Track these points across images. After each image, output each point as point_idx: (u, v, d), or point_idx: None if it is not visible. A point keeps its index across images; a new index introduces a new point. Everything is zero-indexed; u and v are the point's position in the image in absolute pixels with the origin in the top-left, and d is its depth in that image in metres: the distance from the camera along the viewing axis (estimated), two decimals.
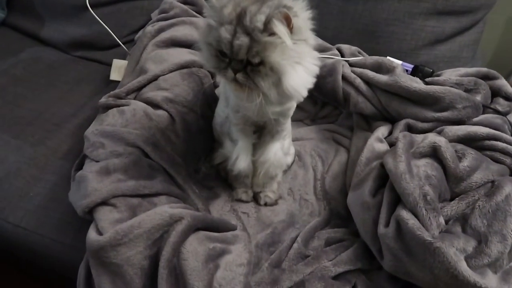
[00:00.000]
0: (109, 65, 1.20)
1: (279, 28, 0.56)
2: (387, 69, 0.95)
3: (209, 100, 0.97)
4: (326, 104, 1.08)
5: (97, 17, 1.15)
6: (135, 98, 0.95)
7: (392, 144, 0.86)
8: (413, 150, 0.73)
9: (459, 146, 0.74)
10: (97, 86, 1.20)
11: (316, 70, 0.64)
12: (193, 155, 0.91)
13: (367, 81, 0.97)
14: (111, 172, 0.74)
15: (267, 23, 0.56)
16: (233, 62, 0.60)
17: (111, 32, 1.16)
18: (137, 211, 0.70)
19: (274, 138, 0.81)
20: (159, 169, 0.80)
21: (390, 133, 0.92)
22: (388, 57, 1.01)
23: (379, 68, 0.96)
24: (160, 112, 0.90)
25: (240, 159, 0.80)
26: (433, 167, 0.69)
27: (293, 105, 0.76)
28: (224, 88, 0.81)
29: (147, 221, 0.66)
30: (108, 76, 1.18)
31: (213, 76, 1.00)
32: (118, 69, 1.18)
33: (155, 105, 0.91)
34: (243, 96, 0.64)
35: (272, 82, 0.60)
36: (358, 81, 0.97)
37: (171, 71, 0.96)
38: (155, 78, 0.95)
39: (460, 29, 1.07)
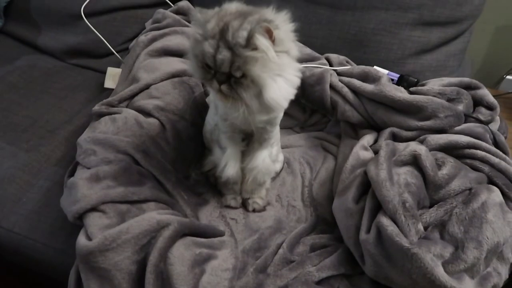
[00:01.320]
0: (104, 73, 1.21)
1: (262, 41, 0.59)
2: (373, 79, 0.97)
3: (199, 108, 0.99)
4: (315, 112, 1.11)
5: (91, 26, 1.17)
6: (127, 106, 0.97)
7: (377, 152, 0.88)
8: (395, 158, 0.75)
9: (440, 155, 0.77)
10: (91, 94, 1.22)
11: (297, 81, 0.65)
12: (183, 162, 0.93)
13: (354, 90, 0.99)
14: (101, 179, 0.76)
15: (249, 39, 0.58)
16: (217, 74, 0.62)
17: (105, 41, 1.18)
18: (125, 217, 0.72)
19: (262, 145, 0.83)
20: (149, 176, 0.82)
21: (376, 141, 0.94)
22: (374, 67, 1.03)
23: (365, 78, 0.99)
24: (151, 120, 0.92)
25: (229, 166, 0.82)
26: (413, 175, 0.71)
27: (279, 114, 0.78)
28: (214, 97, 0.83)
29: (135, 227, 0.68)
30: (103, 83, 1.20)
31: (203, 84, 1.02)
32: (112, 77, 1.20)
33: (146, 113, 0.93)
34: (228, 105, 0.67)
35: (253, 94, 0.62)
36: (346, 90, 0.99)
37: (162, 80, 0.98)
38: (147, 87, 0.97)
39: (446, 39, 1.09)
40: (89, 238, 0.68)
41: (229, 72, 0.61)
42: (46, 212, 0.89)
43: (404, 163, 0.74)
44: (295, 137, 1.09)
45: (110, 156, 0.82)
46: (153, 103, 0.94)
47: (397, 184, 0.69)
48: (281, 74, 0.62)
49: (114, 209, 0.72)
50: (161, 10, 1.14)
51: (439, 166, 0.74)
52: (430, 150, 0.78)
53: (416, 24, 1.06)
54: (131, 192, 0.75)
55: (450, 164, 0.73)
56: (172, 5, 1.20)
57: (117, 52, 1.24)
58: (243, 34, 0.58)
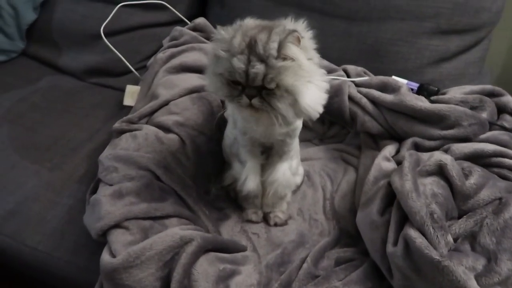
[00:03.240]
0: (123, 90, 1.23)
1: (294, 50, 0.60)
2: (392, 89, 0.96)
3: (218, 122, 1.00)
4: (333, 124, 1.10)
5: (110, 45, 1.19)
6: (147, 123, 0.98)
7: (399, 163, 0.86)
8: (419, 168, 0.74)
9: (466, 164, 0.75)
10: (111, 111, 1.24)
11: (326, 86, 0.66)
12: (203, 177, 0.93)
13: (373, 101, 0.98)
14: (124, 195, 0.76)
15: (280, 49, 0.59)
16: (247, 89, 0.62)
17: (124, 59, 1.20)
18: (148, 233, 0.72)
19: (282, 158, 0.83)
20: (170, 192, 0.82)
21: (398, 151, 0.93)
22: (393, 77, 1.02)
23: (384, 88, 0.98)
24: (171, 135, 0.93)
25: (249, 179, 0.81)
26: (439, 185, 0.69)
27: (299, 126, 0.78)
28: (232, 111, 0.83)
29: (159, 243, 0.67)
30: (122, 101, 1.22)
31: (222, 101, 1.03)
32: (131, 94, 1.22)
33: (166, 129, 0.94)
34: (258, 119, 0.67)
35: (288, 103, 0.62)
36: (364, 100, 0.99)
37: (181, 96, 0.99)
38: (166, 103, 0.98)
39: (465, 47, 1.08)
40: (113, 255, 0.68)
41: (261, 85, 0.61)
42: (70, 230, 0.90)
43: (429, 173, 0.72)
44: (314, 150, 1.08)
45: (132, 173, 0.83)
46: (172, 119, 0.95)
47: (424, 194, 0.67)
48: (311, 80, 0.63)
49: (137, 225, 0.72)
50: (178, 28, 1.16)
51: (466, 176, 0.72)
52: (456, 159, 0.76)
53: (433, 33, 1.06)
54: (154, 208, 0.75)
55: (477, 173, 0.72)
56: (189, 23, 1.22)
57: (135, 70, 1.26)
58: (274, 45, 0.59)
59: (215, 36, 0.64)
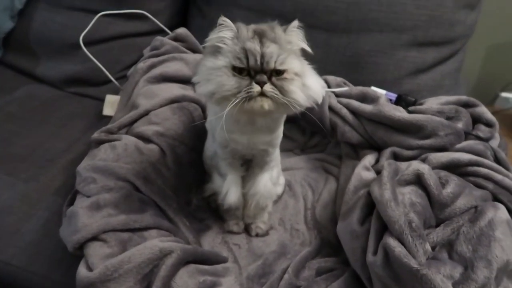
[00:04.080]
0: (102, 100, 1.22)
1: (297, 36, 0.65)
2: (371, 99, 0.98)
3: (199, 133, 0.98)
4: (314, 134, 1.11)
5: (89, 54, 1.18)
6: (126, 133, 0.97)
7: (379, 172, 0.87)
8: (398, 178, 0.75)
9: (443, 173, 0.76)
10: (90, 122, 1.21)
11: (322, 82, 0.68)
12: (184, 187, 0.92)
13: (353, 111, 0.99)
14: (101, 207, 0.75)
15: (286, 34, 0.64)
16: (257, 76, 0.61)
17: (103, 69, 1.19)
18: (127, 245, 0.70)
19: (263, 169, 0.83)
20: (150, 203, 0.81)
21: (377, 161, 0.94)
22: (372, 87, 1.04)
23: (364, 98, 0.99)
24: (151, 146, 0.92)
25: (230, 193, 0.81)
26: (417, 194, 0.70)
27: (280, 134, 0.78)
28: (210, 125, 0.83)
29: (137, 255, 0.66)
30: (101, 111, 1.20)
31: (203, 109, 1.03)
32: (111, 104, 1.20)
33: (146, 139, 0.93)
34: (249, 124, 0.68)
35: (299, 86, 0.63)
36: (344, 111, 1.00)
37: (162, 106, 0.98)
38: (146, 113, 0.97)
39: (441, 58, 1.11)
40: (90, 268, 0.67)
41: (272, 69, 0.61)
42: (45, 243, 0.87)
43: (407, 183, 0.73)
44: (295, 160, 1.08)
45: (111, 184, 0.81)
46: (152, 129, 0.94)
47: (402, 204, 0.68)
48: (310, 70, 0.67)
49: (115, 237, 0.71)
50: (159, 38, 1.15)
51: (443, 185, 0.73)
52: (433, 168, 0.77)
53: (411, 45, 1.08)
54: (133, 219, 0.74)
55: (454, 182, 0.73)
56: (170, 33, 1.21)
57: (115, 80, 1.25)
58: (280, 31, 0.63)
59: (221, 23, 0.63)
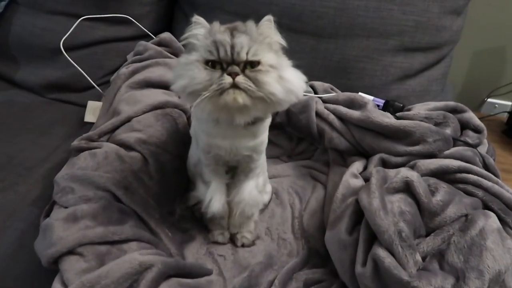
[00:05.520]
0: (84, 107, 1.19)
1: (270, 30, 0.63)
2: (359, 105, 0.96)
3: (183, 140, 0.96)
4: (301, 140, 1.09)
5: (70, 59, 1.15)
6: (108, 140, 0.94)
7: (367, 179, 0.86)
8: (386, 185, 0.73)
9: (432, 180, 0.75)
10: (71, 129, 1.18)
11: (303, 77, 0.65)
12: (167, 196, 0.89)
13: (341, 117, 0.98)
14: (78, 218, 0.71)
15: (258, 28, 0.62)
16: (229, 67, 0.59)
17: (85, 74, 1.16)
18: (105, 259, 0.67)
19: (248, 176, 0.80)
20: (131, 214, 0.78)
21: (365, 168, 0.92)
22: (359, 93, 1.03)
23: (351, 104, 0.98)
24: (133, 153, 0.89)
25: (214, 201, 0.78)
26: (406, 203, 0.69)
27: (265, 140, 0.76)
28: (194, 130, 0.80)
29: (115, 270, 0.63)
30: (83, 118, 1.17)
31: (188, 116, 1.00)
32: (92, 110, 1.17)
33: (128, 147, 0.90)
34: (242, 109, 0.61)
35: (275, 78, 0.60)
36: (332, 117, 0.98)
37: (144, 112, 0.95)
38: (129, 120, 0.94)
39: (428, 64, 1.11)
40: (65, 285, 0.63)
41: (245, 61, 0.59)
42: (20, 256, 0.83)
43: (396, 190, 0.71)
44: (282, 167, 1.06)
45: (89, 194, 0.78)
46: (135, 136, 0.91)
47: (391, 212, 0.66)
48: (288, 65, 0.64)
49: (92, 251, 0.67)
50: (142, 42, 1.12)
51: (433, 192, 0.71)
52: (422, 175, 0.76)
53: (398, 50, 1.08)
54: (112, 231, 0.70)
55: (443, 189, 0.71)
56: (154, 37, 1.19)
57: (98, 85, 1.22)
58: (252, 26, 0.62)
59: (194, 21, 0.64)
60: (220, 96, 0.59)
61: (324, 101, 1.03)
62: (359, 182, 0.85)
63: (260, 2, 1.08)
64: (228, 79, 0.58)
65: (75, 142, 0.92)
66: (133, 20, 1.25)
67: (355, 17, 1.05)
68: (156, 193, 0.86)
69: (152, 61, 1.06)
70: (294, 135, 1.08)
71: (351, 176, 0.86)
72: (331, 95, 1.04)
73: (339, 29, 1.07)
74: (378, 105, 1.00)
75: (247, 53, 0.59)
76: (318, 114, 1.00)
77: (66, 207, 0.76)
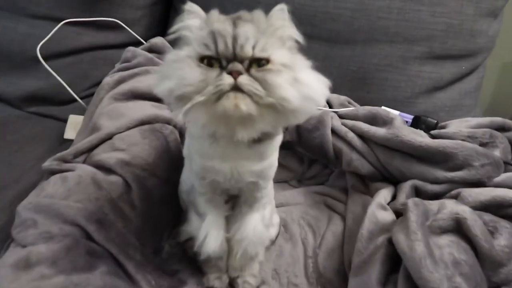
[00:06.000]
0: (66, 121, 1.06)
1: (284, 20, 0.49)
2: (383, 121, 0.82)
3: (175, 162, 0.81)
4: (314, 162, 0.94)
5: (49, 68, 1.02)
6: (84, 161, 0.79)
7: (398, 212, 0.70)
8: (429, 223, 0.57)
9: (487, 217, 0.59)
10: (49, 146, 1.03)
11: (325, 80, 0.50)
12: (153, 231, 0.74)
13: (361, 135, 0.83)
14: (33, 264, 0.55)
15: (268, 19, 0.49)
16: (230, 65, 0.45)
17: (65, 85, 1.03)
18: None
19: (253, 208, 0.65)
20: (103, 256, 0.62)
21: (394, 197, 0.76)
22: (383, 107, 0.88)
23: (374, 120, 0.84)
24: (113, 178, 0.74)
25: (209, 238, 0.63)
26: (460, 248, 0.53)
27: (274, 162, 0.61)
28: (188, 149, 0.65)
29: None
30: (63, 134, 1.04)
31: (182, 133, 0.85)
32: (74, 126, 1.03)
33: (107, 170, 0.75)
34: (245, 120, 0.46)
35: (288, 80, 0.45)
36: (351, 135, 0.84)
37: (129, 128, 0.81)
38: (110, 137, 0.80)
39: (460, 74, 0.97)
40: None
41: (250, 57, 0.45)
42: None
43: (443, 230, 0.56)
44: (292, 193, 0.91)
45: (53, 229, 0.63)
46: (116, 156, 0.76)
47: (442, 262, 0.50)
48: (307, 65, 0.50)
49: None
50: (131, 48, 0.99)
51: (492, 234, 0.56)
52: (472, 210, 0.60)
53: (425, 58, 0.95)
54: (74, 282, 0.54)
55: (506, 230, 0.56)
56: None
57: (83, 98, 1.10)
58: (261, 15, 0.48)
59: (187, 9, 0.50)
60: (218, 102, 0.45)
61: (341, 116, 0.89)
62: (388, 215, 0.70)
63: (265, 3, 0.94)
64: (228, 79, 0.44)
65: (47, 163, 0.79)
66: (123, 24, 1.13)
67: (375, 19, 0.92)
68: (139, 228, 0.71)
69: (141, 69, 0.92)
70: (306, 156, 0.94)
71: (378, 208, 0.71)
72: (349, 109, 0.89)
73: (357, 33, 0.93)
74: (406, 122, 0.85)
75: (253, 47, 0.45)
76: (334, 132, 0.86)
77: (24, 246, 0.61)
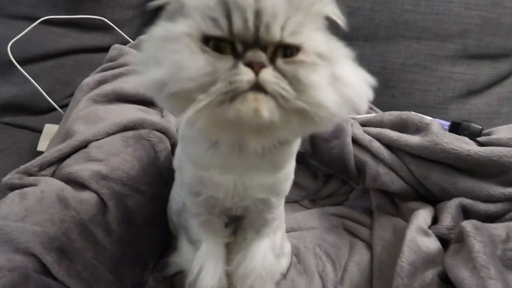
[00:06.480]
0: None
1: None
2: (416, 127, 0.69)
3: (164, 175, 0.68)
4: (330, 178, 0.81)
5: (24, 73, 0.91)
6: (53, 174, 0.65)
7: (443, 239, 0.56)
8: (500, 253, 0.42)
9: None
10: (20, 160, 0.90)
11: (368, 78, 0.38)
12: (133, 261, 0.59)
13: (389, 144, 0.71)
14: None
15: None
16: (249, 52, 0.32)
17: (42, 91, 0.92)
18: None
19: (261, 233, 0.52)
20: None
21: (436, 220, 0.62)
22: (412, 112, 0.75)
23: (403, 126, 0.71)
24: (86, 194, 0.60)
25: (205, 272, 0.50)
26: None
27: (290, 173, 0.48)
28: (179, 160, 0.51)
29: None
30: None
31: (173, 142, 0.72)
32: (49, 136, 0.90)
33: (79, 184, 0.61)
34: (264, 130, 0.34)
35: (326, 77, 0.33)
36: (377, 145, 0.71)
37: (109, 135, 0.67)
38: (85, 145, 0.66)
39: (497, 77, 0.86)
40: None
41: (278, 41, 0.32)
42: None
43: None
44: (304, 215, 0.77)
45: (0, 259, 0.48)
46: (91, 168, 0.62)
47: None
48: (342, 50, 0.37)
49: None
50: (117, 46, 0.87)
51: None
52: None
53: (459, 56, 0.84)
54: None
55: None
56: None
57: (65, 106, 0.96)
58: None
59: None
60: (230, 104, 0.32)
61: (362, 124, 0.76)
62: (432, 243, 0.55)
63: None
64: (247, 74, 0.32)
65: (7, 177, 0.65)
66: (111, 24, 1.02)
67: (400, 12, 0.82)
68: (115, 257, 0.56)
69: (127, 69, 0.79)
70: (321, 170, 0.80)
71: (419, 233, 0.56)
72: (372, 115, 0.77)
73: (379, 29, 0.82)
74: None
75: (282, 28, 0.32)
76: (355, 141, 0.73)
77: None
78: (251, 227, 0.51)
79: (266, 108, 0.31)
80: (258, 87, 0.31)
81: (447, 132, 0.65)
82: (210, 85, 0.31)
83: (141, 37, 0.90)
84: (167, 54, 0.32)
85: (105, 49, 1.04)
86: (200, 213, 0.48)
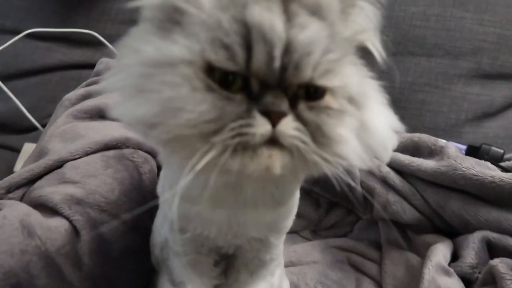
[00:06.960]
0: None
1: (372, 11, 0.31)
2: (430, 150, 0.64)
3: (148, 201, 0.60)
4: (334, 206, 0.75)
5: (5, 88, 0.87)
6: (22, 198, 0.58)
7: (466, 279, 0.48)
8: None
9: None
10: None
11: (399, 124, 0.34)
12: None
13: (400, 170, 0.65)
14: None
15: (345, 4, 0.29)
16: (268, 95, 0.26)
17: (23, 109, 0.88)
18: None
19: (256, 274, 0.45)
20: None
21: (454, 255, 0.55)
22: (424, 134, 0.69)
23: (416, 149, 0.66)
24: (55, 221, 0.53)
25: None
26: None
27: (293, 209, 0.42)
28: (162, 187, 0.43)
29: None
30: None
31: (157, 162, 0.65)
32: (28, 156, 0.84)
33: (49, 210, 0.54)
34: (261, 182, 0.29)
35: (354, 128, 0.28)
36: (386, 169, 0.65)
37: (87, 154, 0.60)
38: (59, 165, 0.59)
39: None
40: None
41: (306, 82, 0.26)
42: None
43: None
44: (305, 247, 0.71)
45: None
46: (64, 191, 0.55)
47: None
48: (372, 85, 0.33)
49: None
50: (104, 60, 0.83)
51: None
52: None
53: (472, 76, 0.81)
54: None
55: None
56: None
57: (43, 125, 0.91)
58: None
59: None
60: (236, 156, 0.26)
61: None
62: (455, 284, 0.48)
63: None
64: (263, 127, 0.26)
65: None
66: (103, 39, 0.97)
67: (408, 28, 0.78)
68: None
69: None
70: (323, 198, 0.74)
71: (439, 272, 0.49)
72: None
73: (386, 45, 0.76)
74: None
75: (315, 68, 0.26)
76: None
77: None
78: (245, 267, 0.44)
79: (279, 163, 0.26)
80: (273, 139, 0.26)
81: (466, 156, 0.59)
82: (214, 133, 0.25)
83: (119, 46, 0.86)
84: (157, 86, 0.25)
85: (94, 66, 1.01)
86: (185, 252, 0.41)
